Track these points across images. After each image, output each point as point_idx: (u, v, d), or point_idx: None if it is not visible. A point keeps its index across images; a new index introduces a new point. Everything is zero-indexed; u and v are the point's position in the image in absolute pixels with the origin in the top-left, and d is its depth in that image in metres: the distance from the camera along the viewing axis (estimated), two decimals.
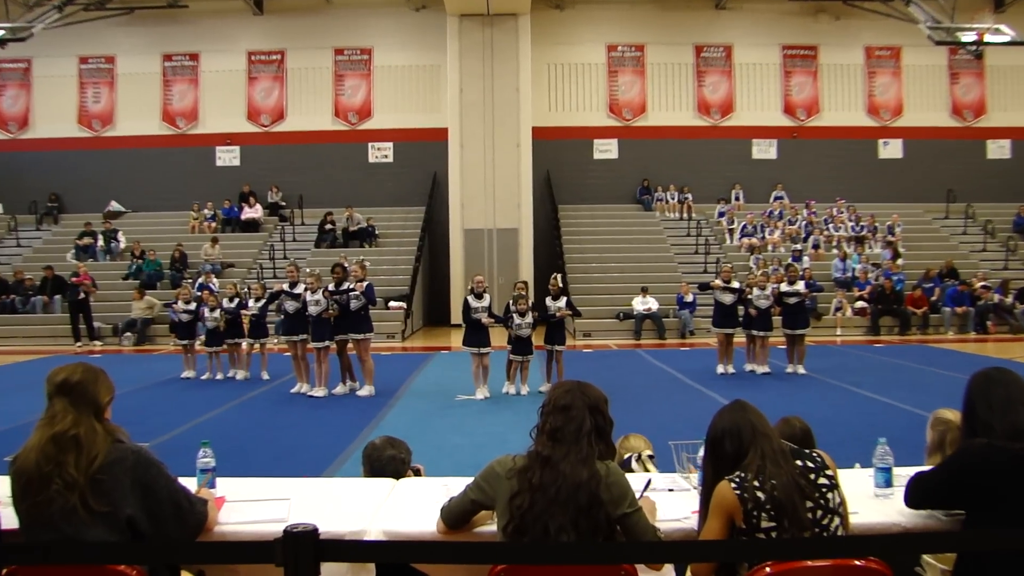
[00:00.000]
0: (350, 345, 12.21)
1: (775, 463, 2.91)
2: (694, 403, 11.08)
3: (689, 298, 20.58)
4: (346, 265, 12.69)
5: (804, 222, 24.50)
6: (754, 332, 13.89)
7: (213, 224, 25.23)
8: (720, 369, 13.77)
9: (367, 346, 12.01)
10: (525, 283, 13.00)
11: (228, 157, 26.41)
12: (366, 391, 11.89)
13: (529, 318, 11.94)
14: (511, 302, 12.14)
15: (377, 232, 24.63)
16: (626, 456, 4.40)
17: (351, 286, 11.99)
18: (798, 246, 23.08)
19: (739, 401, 3.14)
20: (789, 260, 21.88)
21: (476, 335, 11.92)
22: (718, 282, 14.24)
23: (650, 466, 4.33)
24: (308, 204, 25.23)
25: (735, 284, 14.16)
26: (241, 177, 25.83)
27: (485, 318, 11.86)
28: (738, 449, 2.97)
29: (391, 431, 4.42)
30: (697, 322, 20.54)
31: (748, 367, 13.92)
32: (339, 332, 12.05)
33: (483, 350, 11.90)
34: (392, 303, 21.53)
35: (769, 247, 23.61)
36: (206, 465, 3.59)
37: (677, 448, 3.98)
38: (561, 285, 12.45)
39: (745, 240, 23.87)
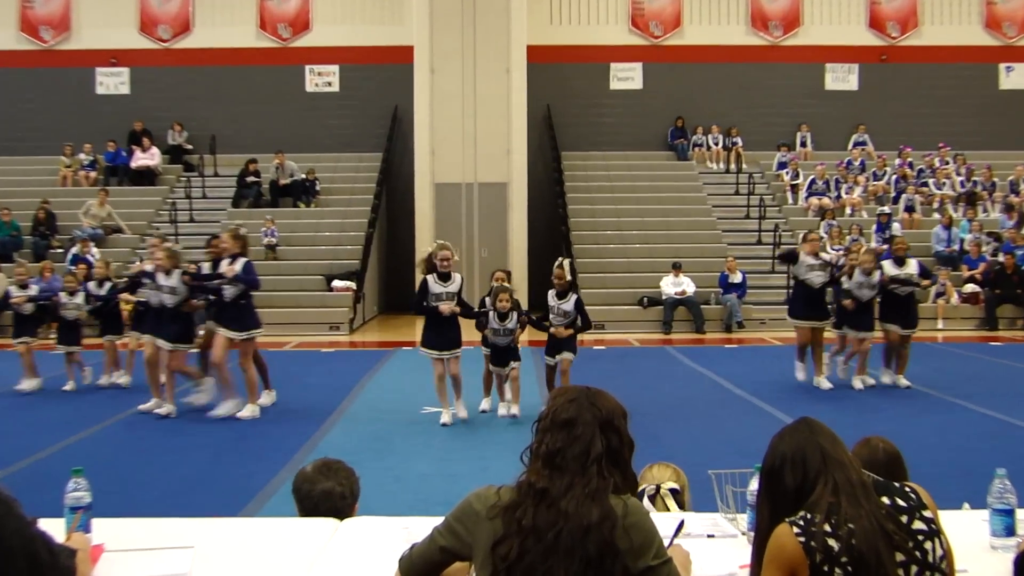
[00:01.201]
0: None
1: (853, 501, 2.90)
2: (744, 421, 11.09)
3: (737, 278, 20.59)
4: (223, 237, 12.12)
5: (894, 176, 24.53)
6: (849, 331, 13.33)
7: (92, 173, 25.08)
8: (800, 375, 13.21)
9: (249, 349, 11.58)
10: (507, 273, 12.09)
11: (113, 83, 26.22)
12: (248, 410, 11.45)
13: (513, 321, 11.17)
14: (488, 296, 11.48)
15: (318, 187, 24.56)
16: (639, 489, 4.38)
17: (220, 271, 11.51)
18: (886, 208, 23.11)
19: (805, 419, 3.12)
20: (873, 228, 21.93)
21: (440, 332, 11.09)
22: (806, 256, 13.14)
23: (670, 504, 4.32)
24: (223, 148, 25.13)
25: (826, 256, 13.34)
26: (131, 110, 25.67)
27: (446, 305, 10.90)
28: (803, 482, 2.96)
29: (333, 454, 4.38)
30: (747, 310, 20.57)
31: (817, 380, 13.21)
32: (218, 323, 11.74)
33: (447, 353, 11.05)
34: (336, 283, 21.50)
35: (847, 210, 23.64)
36: (78, 501, 3.55)
37: (719, 479, 3.97)
38: (570, 277, 11.44)
39: (814, 200, 23.89)
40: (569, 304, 11.28)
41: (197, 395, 12.17)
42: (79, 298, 13.71)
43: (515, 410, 11.35)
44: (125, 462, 9.29)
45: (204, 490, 8.26)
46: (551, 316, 11.33)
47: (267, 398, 12.17)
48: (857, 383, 13.13)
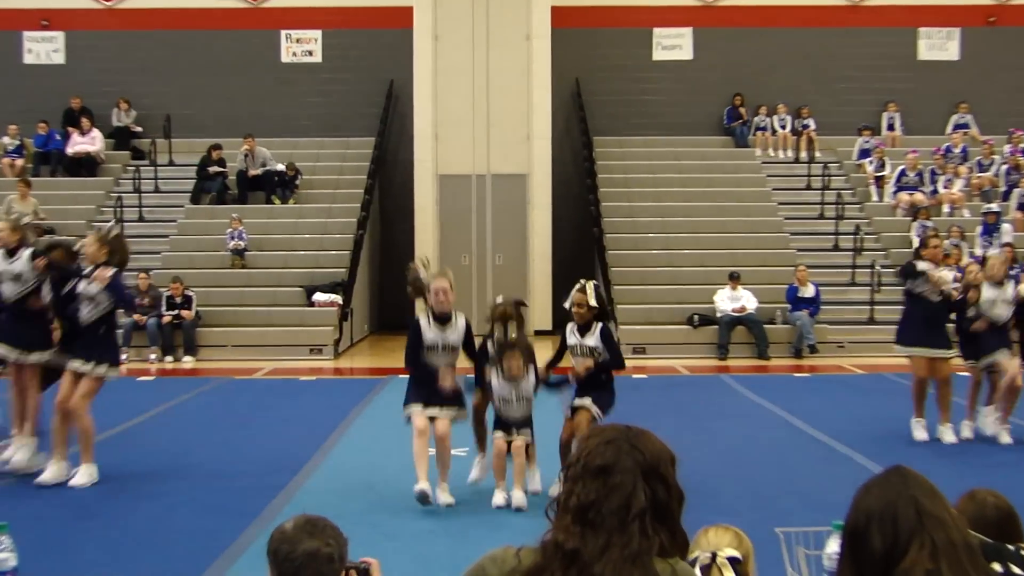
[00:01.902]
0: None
1: (956, 567, 2.89)
2: (819, 468, 11.06)
3: (808, 291, 20.53)
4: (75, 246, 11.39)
5: (1004, 166, 24.45)
6: (990, 359, 12.30)
7: (19, 161, 25.18)
8: (919, 433, 12.28)
9: (93, 389, 10.45)
10: (517, 305, 10.25)
11: (44, 50, 26.38)
12: (83, 475, 10.31)
13: (529, 384, 9.89)
14: (489, 335, 10.20)
15: (298, 180, 24.59)
16: (691, 558, 4.36)
17: (85, 272, 10.44)
18: (993, 206, 23.00)
19: (897, 468, 3.11)
20: (978, 230, 21.85)
21: (431, 383, 9.73)
22: (928, 267, 12.14)
23: (729, 574, 4.31)
24: (181, 131, 25.20)
25: (947, 275, 12.52)
26: (67, 84, 25.85)
27: (446, 375, 9.68)
28: (894, 544, 2.95)
29: (314, 508, 4.38)
30: (821, 331, 20.51)
31: (964, 431, 12.45)
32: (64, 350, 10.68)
33: (437, 411, 9.74)
34: (319, 296, 21.52)
35: (944, 208, 23.56)
36: (1, 565, 3.56)
37: (789, 540, 3.96)
38: (595, 303, 9.91)
39: (903, 196, 23.82)
40: (593, 338, 10.01)
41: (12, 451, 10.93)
42: None
43: (535, 484, 10.00)
44: (57, 516, 9.28)
45: (155, 550, 8.25)
46: (572, 357, 10.16)
47: (26, 455, 10.78)
48: (1003, 436, 12.25)
